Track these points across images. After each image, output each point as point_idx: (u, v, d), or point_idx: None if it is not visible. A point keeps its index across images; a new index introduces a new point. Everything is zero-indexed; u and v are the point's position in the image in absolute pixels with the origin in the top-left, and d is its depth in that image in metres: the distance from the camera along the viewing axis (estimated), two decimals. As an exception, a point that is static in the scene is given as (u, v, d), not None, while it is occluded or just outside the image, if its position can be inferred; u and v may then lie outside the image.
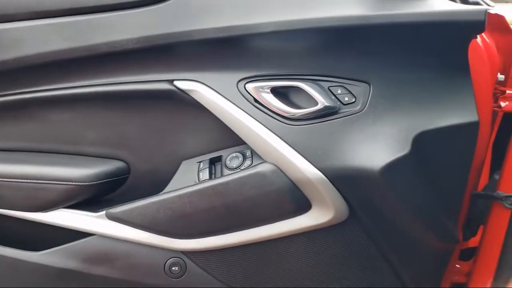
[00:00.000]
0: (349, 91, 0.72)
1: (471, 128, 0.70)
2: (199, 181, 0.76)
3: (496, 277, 0.88)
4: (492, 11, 0.78)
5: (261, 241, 0.78)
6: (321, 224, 0.74)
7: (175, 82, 0.74)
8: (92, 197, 0.84)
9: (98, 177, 0.82)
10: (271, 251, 0.79)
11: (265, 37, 0.71)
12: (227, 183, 0.73)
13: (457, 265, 0.98)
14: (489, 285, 0.86)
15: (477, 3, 0.76)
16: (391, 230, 0.75)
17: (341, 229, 0.75)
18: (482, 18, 0.62)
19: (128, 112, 0.82)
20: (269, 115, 0.72)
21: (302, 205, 0.74)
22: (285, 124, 0.71)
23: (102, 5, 0.73)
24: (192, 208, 0.75)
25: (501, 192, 0.85)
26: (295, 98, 0.73)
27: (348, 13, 0.70)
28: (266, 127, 0.71)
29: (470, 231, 0.98)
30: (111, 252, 0.83)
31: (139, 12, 0.72)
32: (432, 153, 0.71)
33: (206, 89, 0.73)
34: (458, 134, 0.70)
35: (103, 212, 0.81)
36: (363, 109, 0.71)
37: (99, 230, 0.82)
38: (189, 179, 0.78)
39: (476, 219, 0.95)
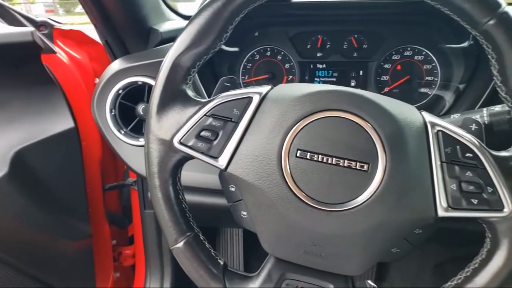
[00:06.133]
0: None
1: (70, 133, 0.77)
2: None
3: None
4: (67, 27, 0.87)
5: None
6: None
7: None
8: None
9: None
10: None
11: None
12: None
13: (127, 251, 1.09)
14: (143, 258, 0.99)
15: (45, 23, 0.82)
16: (22, 249, 0.74)
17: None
18: (30, 38, 0.68)
19: None
20: None
21: None
22: None
23: None
24: None
25: (131, 178, 0.99)
26: None
27: None
28: None
29: (127, 218, 1.10)
30: None
31: None
32: (38, 164, 0.74)
33: None
34: (60, 141, 0.76)
35: None
36: None
37: None
38: None
39: (128, 207, 1.07)
